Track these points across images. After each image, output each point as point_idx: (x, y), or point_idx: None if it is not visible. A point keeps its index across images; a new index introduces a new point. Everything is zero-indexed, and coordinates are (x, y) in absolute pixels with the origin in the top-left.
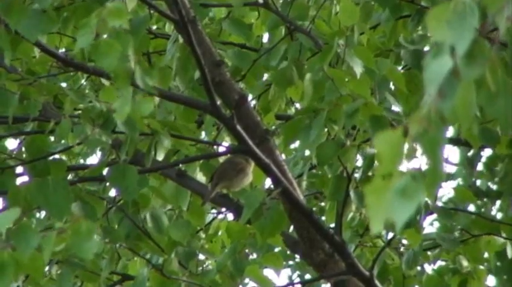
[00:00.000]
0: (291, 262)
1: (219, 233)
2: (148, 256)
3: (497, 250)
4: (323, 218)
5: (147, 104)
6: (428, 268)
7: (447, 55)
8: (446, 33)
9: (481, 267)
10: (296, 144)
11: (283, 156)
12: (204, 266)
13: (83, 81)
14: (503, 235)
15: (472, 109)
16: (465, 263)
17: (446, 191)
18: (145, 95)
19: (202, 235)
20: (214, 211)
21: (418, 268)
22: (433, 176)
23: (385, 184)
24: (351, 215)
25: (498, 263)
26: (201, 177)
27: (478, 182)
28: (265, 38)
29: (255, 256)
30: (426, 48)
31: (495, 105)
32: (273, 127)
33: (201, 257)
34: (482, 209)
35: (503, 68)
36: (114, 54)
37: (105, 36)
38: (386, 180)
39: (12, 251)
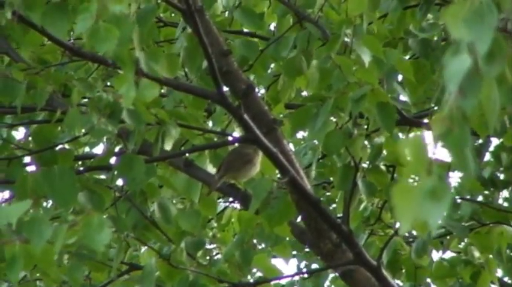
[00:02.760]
0: (300, 252)
1: (232, 221)
2: (157, 246)
3: (510, 241)
4: (331, 207)
5: (151, 89)
6: (436, 257)
7: (466, 53)
8: (464, 31)
9: (491, 256)
10: (304, 134)
11: (292, 146)
12: (213, 255)
13: (94, 70)
14: None
15: (497, 106)
16: (477, 254)
17: (453, 180)
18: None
19: (215, 224)
20: (222, 199)
21: (430, 259)
22: (464, 172)
23: (411, 185)
24: (363, 204)
25: (509, 253)
26: (211, 168)
27: (485, 171)
28: (273, 26)
29: (263, 245)
30: (436, 38)
31: None
32: (281, 116)
33: (209, 246)
34: (484, 199)
35: None
36: (113, 40)
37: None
38: (411, 181)
39: (23, 243)
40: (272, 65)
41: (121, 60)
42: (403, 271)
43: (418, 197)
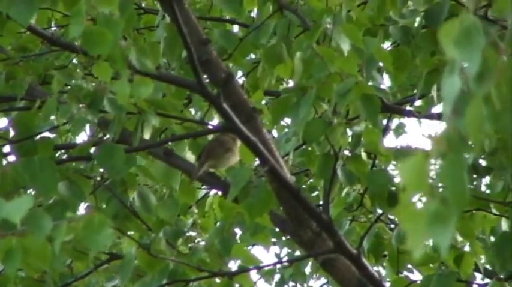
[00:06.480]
0: (280, 239)
1: (213, 208)
2: (137, 235)
3: (493, 225)
4: (313, 194)
5: (145, 86)
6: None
7: (457, 74)
8: (455, 52)
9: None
10: (287, 121)
11: (275, 133)
12: (196, 241)
13: (72, 58)
14: (494, 211)
15: (483, 125)
16: (460, 238)
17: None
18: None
19: (195, 210)
20: (203, 186)
21: None
22: (458, 202)
23: (417, 210)
24: (345, 190)
25: (491, 239)
26: (190, 155)
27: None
28: (253, 13)
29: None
30: (416, 24)
31: (500, 121)
32: (262, 103)
33: (191, 233)
34: (471, 186)
35: (508, 84)
36: (106, 43)
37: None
38: (415, 206)
39: (20, 237)
40: (252, 53)
41: (113, 59)
42: (387, 257)
43: (424, 221)
